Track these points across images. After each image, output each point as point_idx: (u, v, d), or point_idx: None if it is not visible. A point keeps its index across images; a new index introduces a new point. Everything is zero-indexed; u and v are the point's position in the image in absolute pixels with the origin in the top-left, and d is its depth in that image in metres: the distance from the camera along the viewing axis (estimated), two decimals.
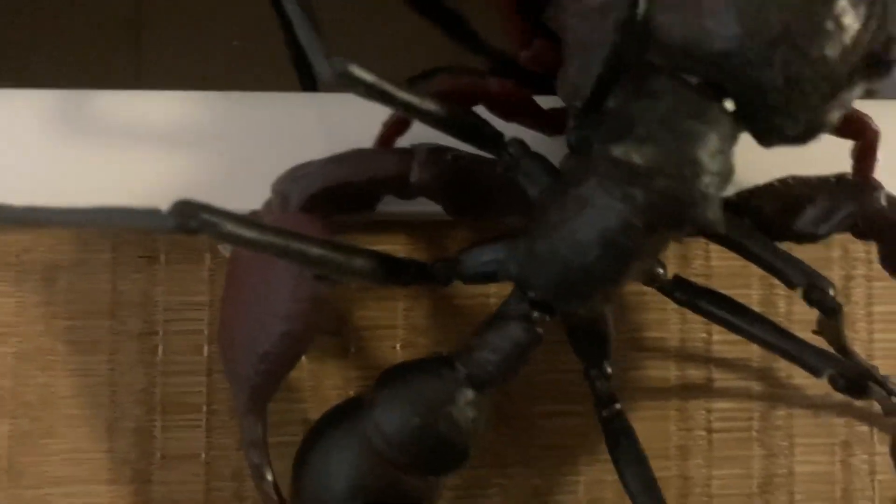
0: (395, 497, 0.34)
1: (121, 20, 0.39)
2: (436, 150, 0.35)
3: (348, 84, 0.32)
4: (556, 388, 0.40)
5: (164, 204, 0.30)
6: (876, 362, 0.40)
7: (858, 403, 0.41)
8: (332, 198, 0.35)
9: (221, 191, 0.38)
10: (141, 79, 0.39)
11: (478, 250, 0.35)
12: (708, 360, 0.41)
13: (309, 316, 0.33)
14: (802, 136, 0.33)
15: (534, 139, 0.36)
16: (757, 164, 0.36)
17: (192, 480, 0.39)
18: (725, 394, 0.41)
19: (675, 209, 0.32)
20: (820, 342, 0.37)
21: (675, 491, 0.41)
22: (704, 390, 0.41)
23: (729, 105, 0.33)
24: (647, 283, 0.36)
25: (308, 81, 0.39)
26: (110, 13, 0.40)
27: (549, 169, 0.35)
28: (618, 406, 0.36)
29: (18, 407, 0.38)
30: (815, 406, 0.41)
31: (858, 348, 0.40)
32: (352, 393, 0.38)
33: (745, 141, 0.34)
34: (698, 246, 0.41)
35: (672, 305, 0.37)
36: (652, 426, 0.41)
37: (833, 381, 0.35)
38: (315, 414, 0.35)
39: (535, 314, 0.34)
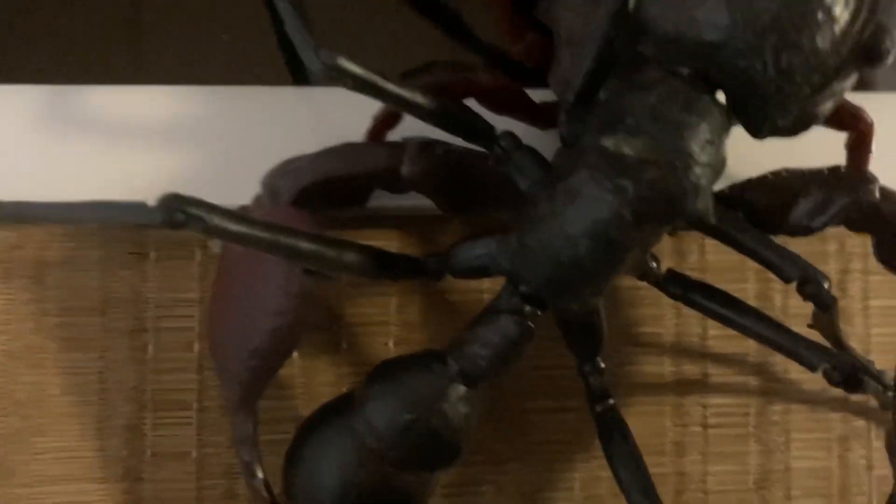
0: (388, 494, 0.33)
1: (119, 17, 0.39)
2: (427, 144, 0.35)
3: (337, 77, 0.32)
4: (551, 384, 0.40)
5: (153, 199, 0.30)
6: (873, 357, 0.40)
7: (855, 398, 0.41)
8: (322, 192, 0.35)
9: (213, 186, 0.38)
10: (139, 75, 0.39)
11: (469, 244, 0.35)
12: (704, 355, 0.41)
13: (299, 311, 0.33)
14: (794, 127, 0.33)
15: (527, 133, 0.36)
16: (751, 157, 0.36)
17: (183, 478, 0.38)
18: (721, 389, 0.41)
19: (665, 201, 0.32)
20: (817, 337, 0.36)
21: (671, 487, 0.40)
22: (700, 386, 0.41)
23: (720, 96, 0.33)
24: (640, 278, 0.36)
25: (300, 76, 0.39)
26: (108, 10, 0.39)
27: (540, 162, 0.34)
28: (611, 401, 0.36)
29: (8, 405, 0.38)
30: (812, 401, 0.41)
31: (855, 343, 0.40)
32: (344, 390, 0.37)
33: (741, 135, 0.34)
34: (693, 240, 0.41)
35: (667, 301, 0.37)
36: (647, 422, 0.40)
37: (828, 375, 0.35)
38: (306, 411, 0.35)
39: (527, 308, 0.34)
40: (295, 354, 0.38)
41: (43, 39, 0.39)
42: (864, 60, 0.32)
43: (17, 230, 0.38)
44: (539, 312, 0.34)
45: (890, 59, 0.32)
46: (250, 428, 0.34)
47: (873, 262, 0.38)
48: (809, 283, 0.34)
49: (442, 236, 0.39)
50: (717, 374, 0.41)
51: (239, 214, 0.30)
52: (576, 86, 0.33)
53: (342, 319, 0.39)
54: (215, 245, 0.38)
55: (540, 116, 0.36)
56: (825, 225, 0.35)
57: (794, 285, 0.35)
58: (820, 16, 0.31)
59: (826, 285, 0.34)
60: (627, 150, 0.32)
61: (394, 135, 0.37)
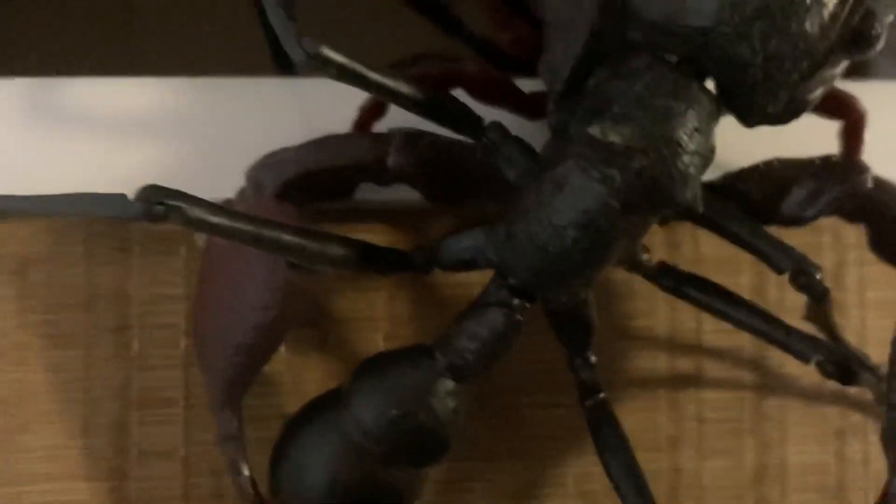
0: (376, 490, 0.33)
1: (111, 8, 0.39)
2: (413, 135, 0.34)
3: (321, 66, 0.32)
4: (544, 379, 0.40)
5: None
6: (869, 349, 0.40)
7: (852, 391, 0.41)
8: (307, 184, 0.34)
9: (199, 178, 0.37)
10: (125, 66, 0.39)
11: (457, 237, 0.34)
12: (699, 349, 0.40)
13: (284, 306, 0.33)
14: (784, 114, 0.33)
15: (515, 124, 0.35)
16: (743, 146, 0.35)
17: (169, 476, 0.38)
18: (717, 384, 0.41)
19: (653, 189, 0.32)
20: (813, 331, 0.36)
21: (666, 483, 0.40)
22: (695, 380, 0.40)
23: (709, 83, 0.32)
24: (630, 269, 0.35)
25: (285, 67, 0.38)
26: (95, 3, 0.39)
27: (528, 152, 0.34)
28: (602, 395, 0.35)
29: None
30: (808, 396, 0.41)
31: (851, 335, 0.40)
32: (332, 386, 0.37)
33: (732, 124, 0.34)
34: (686, 231, 0.40)
35: (661, 294, 0.36)
36: (642, 417, 0.40)
37: (821, 367, 0.34)
38: (293, 408, 0.35)
39: (515, 301, 0.33)
40: (282, 350, 0.38)
41: (24, 32, 0.39)
42: (853, 46, 0.32)
43: None
44: (528, 305, 0.33)
45: (879, 45, 0.32)
46: (235, 425, 0.34)
47: (869, 254, 0.37)
48: (802, 274, 0.34)
49: (430, 230, 0.39)
50: (713, 368, 0.40)
51: (221, 207, 0.30)
52: (564, 74, 0.33)
53: (330, 314, 0.39)
54: (201, 240, 0.38)
55: (528, 106, 0.36)
56: (818, 215, 0.35)
57: (787, 277, 0.34)
58: (808, 1, 0.31)
59: (819, 276, 0.34)
60: (614, 138, 0.31)
61: (381, 126, 0.37)
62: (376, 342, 0.39)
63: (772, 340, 0.35)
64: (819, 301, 0.34)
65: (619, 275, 0.39)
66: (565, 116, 0.33)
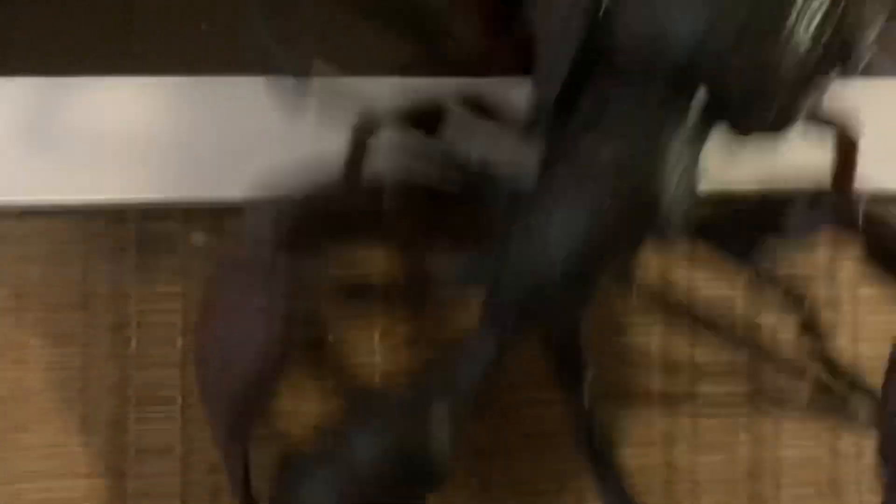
0: None
1: (111, 8, 0.39)
2: (404, 182, 0.34)
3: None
4: (538, 376, 0.40)
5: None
6: (862, 345, 0.40)
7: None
8: (303, 235, 0.34)
9: (198, 177, 0.38)
10: (131, 67, 0.39)
11: (450, 263, 0.34)
12: (693, 343, 0.40)
13: (284, 338, 0.33)
14: (774, 126, 0.33)
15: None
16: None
17: (167, 474, 0.38)
18: (711, 380, 0.41)
19: (641, 207, 0.32)
20: None
21: (660, 478, 0.40)
22: (690, 376, 0.40)
23: (699, 98, 0.33)
24: (621, 291, 0.36)
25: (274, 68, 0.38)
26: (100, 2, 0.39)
27: (517, 179, 0.34)
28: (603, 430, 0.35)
29: None
30: (802, 391, 0.41)
31: (844, 331, 0.40)
32: (328, 384, 0.37)
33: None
34: (681, 252, 0.41)
35: (656, 291, 0.37)
36: (636, 413, 0.40)
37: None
38: (290, 404, 0.35)
39: (508, 325, 0.33)
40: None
41: (24, 32, 0.39)
42: (840, 56, 0.32)
43: None
44: (521, 330, 0.34)
45: (864, 58, 0.32)
46: (241, 468, 0.33)
47: None
48: (790, 296, 0.34)
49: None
50: (707, 363, 0.40)
51: None
52: (553, 92, 0.33)
53: (329, 335, 0.39)
54: (198, 238, 0.38)
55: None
56: (808, 238, 0.35)
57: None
58: (795, 11, 0.32)
59: (806, 304, 0.35)
60: (603, 158, 0.32)
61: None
62: (372, 340, 0.39)
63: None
64: (808, 328, 0.35)
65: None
66: (557, 134, 0.33)
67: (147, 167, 0.38)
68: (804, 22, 0.32)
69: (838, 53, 0.32)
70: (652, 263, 0.40)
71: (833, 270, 0.41)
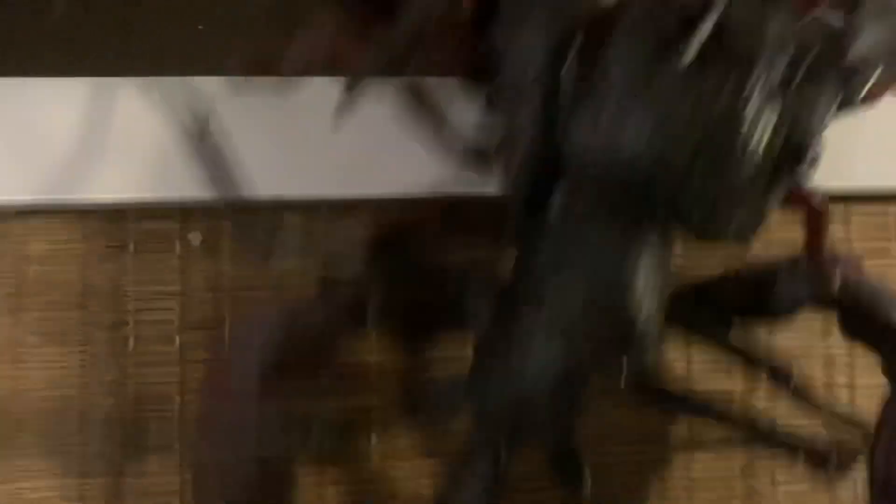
0: None
1: (111, 8, 0.39)
2: (384, 300, 0.35)
3: None
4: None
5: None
6: (857, 355, 0.40)
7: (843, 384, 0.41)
8: (289, 362, 0.34)
9: (197, 176, 0.38)
10: (131, 67, 0.39)
11: (438, 389, 0.35)
12: (688, 342, 0.40)
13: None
14: (739, 235, 0.33)
15: None
16: None
17: (165, 471, 0.38)
18: (706, 377, 0.41)
19: (613, 339, 0.33)
20: None
21: (656, 475, 0.40)
22: (685, 373, 0.41)
23: (660, 215, 0.33)
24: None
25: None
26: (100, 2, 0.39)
27: (495, 301, 0.35)
28: None
29: None
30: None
31: (839, 336, 0.40)
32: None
33: None
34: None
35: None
36: (632, 411, 0.40)
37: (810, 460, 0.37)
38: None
39: (501, 447, 0.34)
40: None
41: (24, 32, 0.39)
42: (794, 160, 0.33)
43: None
44: (514, 447, 0.35)
45: (816, 164, 0.33)
46: None
47: None
48: (777, 374, 0.36)
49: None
50: (703, 361, 0.41)
51: None
52: (519, 199, 0.33)
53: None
54: (195, 238, 0.38)
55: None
56: (792, 315, 0.36)
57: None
58: (746, 126, 0.32)
59: (791, 382, 0.36)
60: (571, 295, 0.33)
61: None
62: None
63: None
64: (795, 399, 0.36)
65: None
66: (528, 244, 0.34)
67: (145, 167, 0.38)
68: (757, 134, 0.32)
69: (793, 157, 0.32)
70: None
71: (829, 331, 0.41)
